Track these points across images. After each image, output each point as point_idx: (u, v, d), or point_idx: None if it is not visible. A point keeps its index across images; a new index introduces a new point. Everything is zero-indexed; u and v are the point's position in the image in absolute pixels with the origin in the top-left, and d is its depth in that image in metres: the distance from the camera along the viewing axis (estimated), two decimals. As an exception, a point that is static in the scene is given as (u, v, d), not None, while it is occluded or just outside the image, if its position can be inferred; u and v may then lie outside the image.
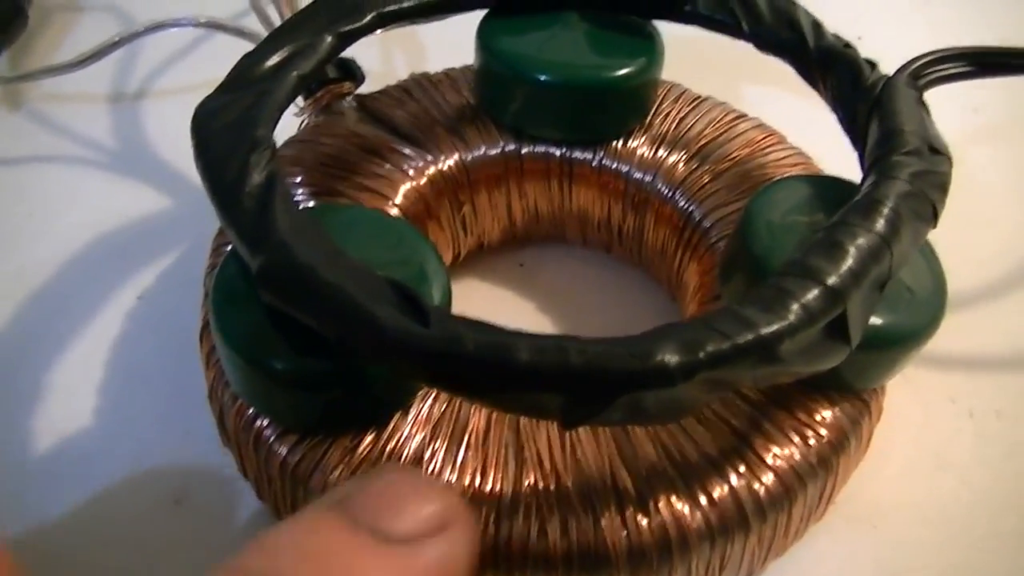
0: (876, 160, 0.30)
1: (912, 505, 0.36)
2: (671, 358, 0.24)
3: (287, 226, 0.27)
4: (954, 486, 0.36)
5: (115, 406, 0.37)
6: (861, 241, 0.27)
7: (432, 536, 0.23)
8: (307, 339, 0.27)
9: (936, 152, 0.31)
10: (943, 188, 0.30)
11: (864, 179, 0.30)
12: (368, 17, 0.34)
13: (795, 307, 0.26)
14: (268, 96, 0.31)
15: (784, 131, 0.40)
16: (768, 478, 0.30)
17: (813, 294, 0.26)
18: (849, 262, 0.27)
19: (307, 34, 0.33)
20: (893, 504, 0.36)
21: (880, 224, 0.28)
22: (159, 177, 0.45)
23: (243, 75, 0.32)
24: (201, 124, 0.30)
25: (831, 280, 0.26)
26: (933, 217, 0.30)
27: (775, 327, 0.25)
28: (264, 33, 0.39)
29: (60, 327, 0.39)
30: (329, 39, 0.33)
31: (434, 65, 0.42)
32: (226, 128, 0.30)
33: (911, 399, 0.38)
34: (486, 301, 0.40)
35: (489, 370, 0.24)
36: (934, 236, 0.31)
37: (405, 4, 0.35)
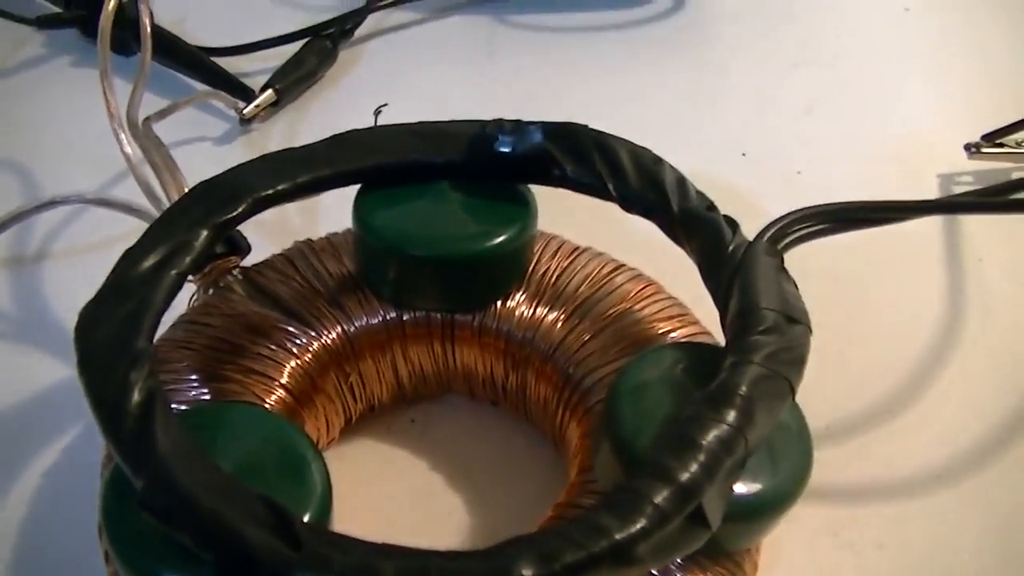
0: (734, 337, 0.32)
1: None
2: (527, 570, 0.25)
3: (166, 447, 0.28)
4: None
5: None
6: (713, 435, 0.29)
7: None
8: (193, 555, 0.28)
9: (794, 322, 0.32)
10: (800, 362, 0.31)
11: (724, 356, 0.31)
12: (243, 205, 0.35)
13: (648, 510, 0.27)
14: (147, 303, 0.32)
15: (666, 269, 0.41)
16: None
17: (664, 495, 0.27)
18: (701, 458, 0.28)
19: (184, 228, 0.34)
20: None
21: (732, 415, 0.29)
22: (58, 347, 0.46)
23: (123, 277, 0.33)
24: (83, 334, 0.31)
25: (683, 478, 0.28)
26: (790, 393, 0.31)
27: (629, 531, 0.27)
28: (152, 210, 0.40)
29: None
30: (205, 232, 0.34)
31: (328, 213, 0.42)
32: (107, 339, 0.31)
33: (793, 535, 0.39)
34: (380, 460, 0.41)
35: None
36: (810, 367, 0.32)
37: (279, 187, 0.36)
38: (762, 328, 0.31)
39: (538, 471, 0.40)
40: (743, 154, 0.57)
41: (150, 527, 0.29)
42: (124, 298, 0.32)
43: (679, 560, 0.32)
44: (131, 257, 0.33)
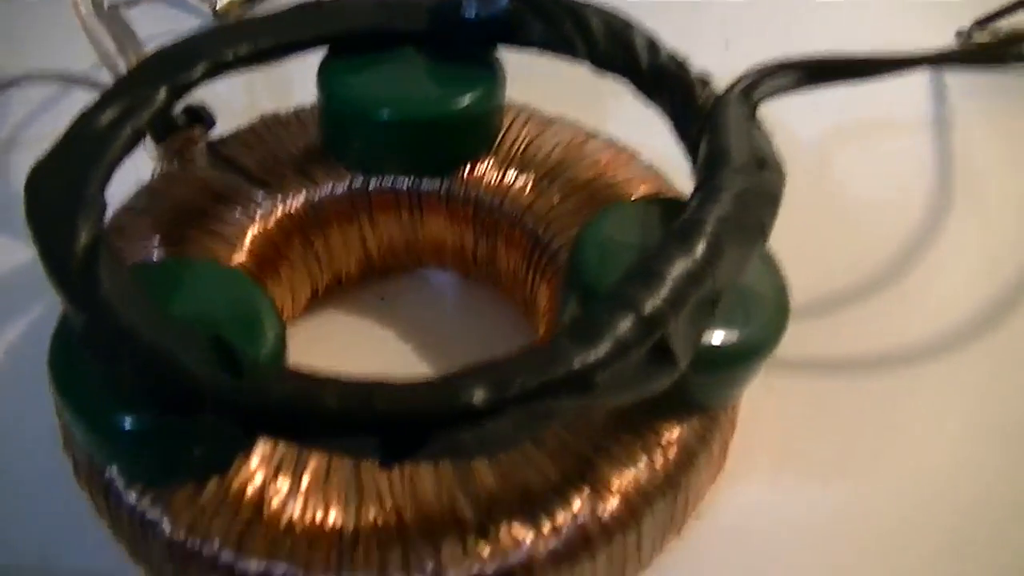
0: (703, 180, 0.31)
1: (778, 513, 0.36)
2: (478, 396, 0.25)
3: (109, 287, 0.27)
4: (818, 492, 0.37)
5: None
6: (678, 267, 0.28)
7: None
8: (139, 395, 0.27)
9: (766, 165, 0.31)
10: (772, 203, 0.30)
11: (691, 200, 0.31)
12: (202, 67, 0.34)
13: (609, 338, 0.26)
14: (100, 154, 0.31)
15: (643, 143, 0.41)
16: (613, 501, 0.30)
17: (627, 324, 0.26)
18: (665, 289, 0.27)
19: (142, 89, 0.33)
20: (759, 513, 0.36)
21: (700, 248, 0.28)
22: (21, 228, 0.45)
23: (79, 134, 0.32)
24: (33, 185, 0.30)
25: (646, 308, 0.27)
26: (760, 233, 0.30)
27: (588, 358, 0.26)
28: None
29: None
30: (164, 90, 0.33)
31: (298, 93, 0.41)
32: (57, 189, 0.30)
33: (774, 406, 0.38)
34: (347, 335, 0.41)
35: (299, 419, 0.25)
36: (790, 241, 0.32)
37: (239, 51, 0.35)
38: (731, 168, 0.30)
39: (509, 342, 0.39)
40: (726, 44, 0.56)
41: (95, 374, 0.28)
42: (77, 152, 0.31)
43: (653, 415, 0.32)
44: (86, 116, 0.32)
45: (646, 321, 0.26)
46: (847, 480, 0.37)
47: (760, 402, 0.36)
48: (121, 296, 0.27)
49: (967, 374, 0.41)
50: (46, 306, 0.42)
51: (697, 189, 0.31)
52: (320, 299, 0.41)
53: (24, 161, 0.46)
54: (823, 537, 0.36)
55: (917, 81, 0.53)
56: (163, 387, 0.26)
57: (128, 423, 0.28)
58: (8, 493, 0.36)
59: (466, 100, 0.37)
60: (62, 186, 0.30)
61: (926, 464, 0.38)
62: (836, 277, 0.44)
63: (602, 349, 0.26)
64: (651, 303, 0.27)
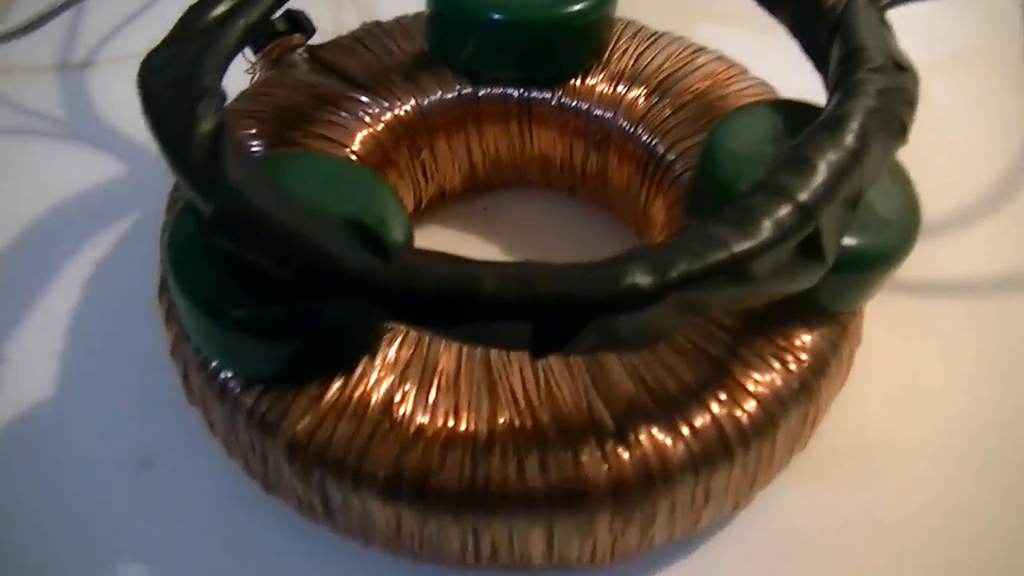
0: (840, 79, 0.30)
1: (894, 433, 0.35)
2: (642, 279, 0.24)
3: (238, 172, 0.26)
4: (936, 412, 0.36)
5: (76, 374, 0.37)
6: (831, 157, 0.27)
7: None
8: (266, 287, 0.26)
9: (901, 68, 0.30)
10: (910, 103, 0.29)
11: (829, 99, 0.30)
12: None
13: (767, 224, 0.25)
14: (214, 46, 0.30)
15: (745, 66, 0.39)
16: (750, 405, 0.29)
17: (785, 211, 0.25)
18: (820, 178, 0.26)
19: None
20: (875, 433, 0.35)
21: (849, 139, 0.27)
22: (111, 145, 0.44)
23: (188, 27, 0.31)
24: (147, 77, 0.30)
25: (802, 196, 0.26)
26: (901, 132, 0.29)
27: (747, 245, 0.25)
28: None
29: (17, 298, 0.39)
30: (272, -13, 0.32)
31: (385, 15, 0.41)
32: (173, 80, 0.29)
33: (889, 328, 0.37)
34: (449, 247, 0.39)
35: (453, 302, 0.24)
36: (906, 165, 0.31)
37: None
38: (870, 67, 0.29)
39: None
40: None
41: (218, 274, 0.28)
42: (190, 43, 0.30)
43: (784, 320, 0.31)
44: (197, 8, 0.31)
45: (803, 208, 0.25)
46: (961, 400, 0.37)
47: (876, 320, 0.35)
48: (251, 181, 0.26)
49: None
50: (137, 218, 0.41)
51: (835, 87, 0.30)
52: (422, 212, 0.40)
53: (105, 77, 0.46)
54: (939, 458, 0.35)
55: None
56: (303, 271, 0.25)
57: (253, 316, 0.27)
58: (112, 407, 0.36)
59: (580, 6, 0.36)
60: (177, 77, 0.29)
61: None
62: (942, 201, 0.42)
63: (761, 235, 0.25)
64: (807, 191, 0.26)
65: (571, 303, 0.24)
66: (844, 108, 0.28)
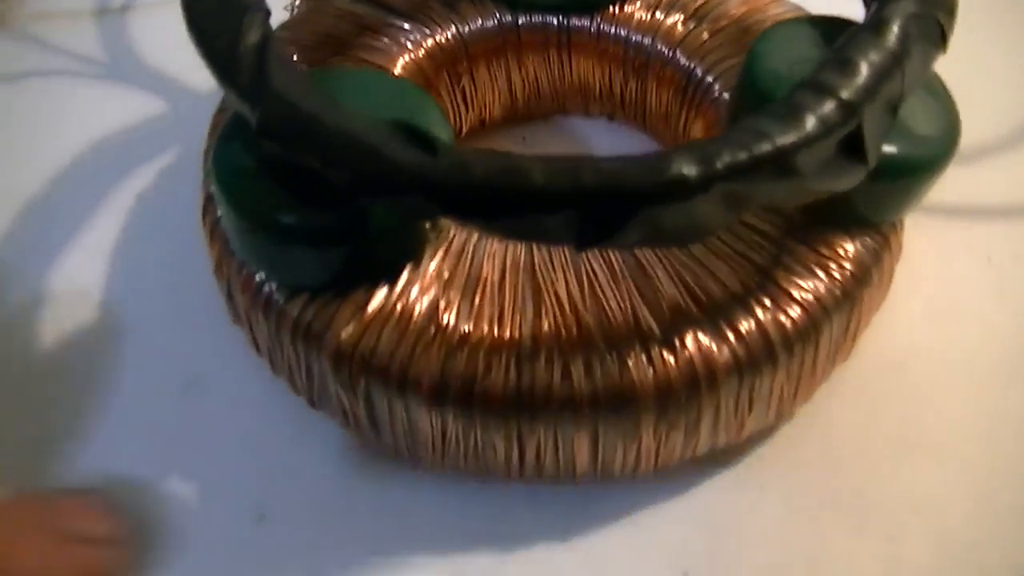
0: (878, -12, 0.30)
1: (935, 350, 0.36)
2: (688, 169, 0.24)
3: (285, 79, 0.26)
4: (976, 330, 0.36)
5: (121, 299, 0.37)
6: (873, 58, 0.27)
7: (101, 546, 0.31)
8: (311, 194, 0.27)
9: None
10: (950, 11, 0.30)
11: (868, 6, 0.30)
12: None
13: (811, 119, 0.25)
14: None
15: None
16: (794, 311, 0.29)
17: (829, 107, 0.26)
18: (862, 77, 0.26)
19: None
20: (916, 349, 0.36)
21: (891, 42, 0.27)
22: (149, 85, 0.45)
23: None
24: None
25: (845, 94, 0.26)
26: (942, 39, 0.29)
27: (792, 138, 0.25)
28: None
29: (62, 230, 0.39)
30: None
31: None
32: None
33: (929, 248, 0.38)
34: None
35: (502, 193, 0.24)
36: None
37: None
38: (910, -25, 0.29)
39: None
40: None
41: (263, 186, 0.28)
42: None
43: (826, 230, 0.31)
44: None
45: (846, 105, 0.26)
46: (998, 316, 0.37)
47: (916, 241, 0.35)
48: (297, 88, 0.26)
49: None
50: (177, 153, 0.42)
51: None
52: (462, 142, 0.41)
53: (143, 21, 0.47)
54: (980, 375, 0.35)
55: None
56: (353, 169, 0.25)
57: (299, 223, 0.28)
58: (159, 328, 0.36)
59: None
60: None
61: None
62: (982, 128, 0.42)
63: (804, 129, 0.25)
64: (849, 89, 0.26)
65: (618, 193, 0.24)
66: (885, 12, 0.28)
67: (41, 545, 0.30)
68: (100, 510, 0.31)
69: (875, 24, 0.28)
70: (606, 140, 0.42)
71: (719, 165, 0.24)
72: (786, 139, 0.25)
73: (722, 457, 0.32)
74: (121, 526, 0.31)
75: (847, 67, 0.27)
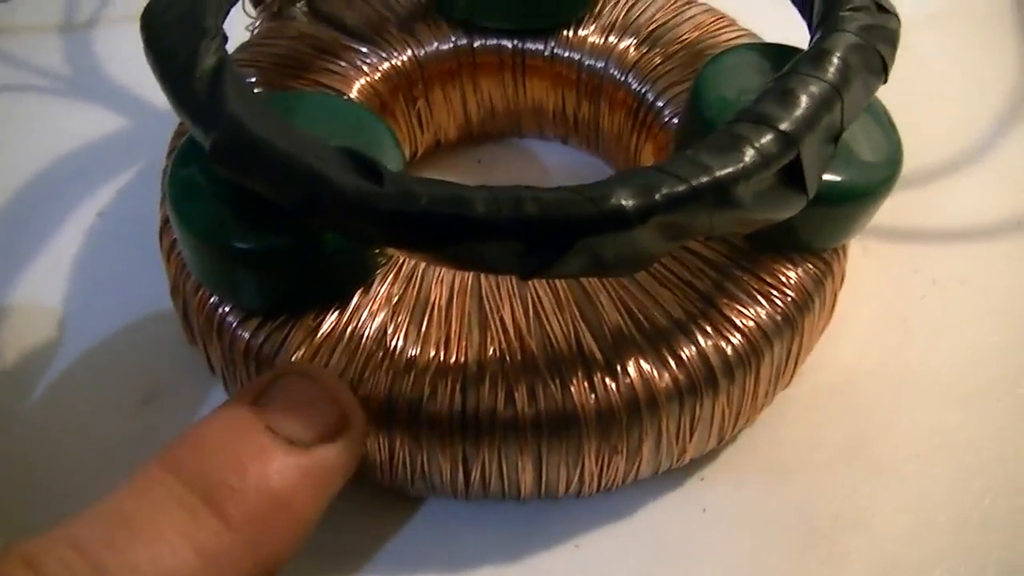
0: (823, 17, 0.30)
1: (879, 371, 0.36)
2: (627, 201, 0.24)
3: (238, 103, 0.27)
4: (921, 351, 0.37)
5: (79, 315, 0.37)
6: (812, 89, 0.27)
7: (329, 442, 0.27)
8: (264, 219, 0.27)
9: (883, 10, 0.31)
10: (892, 42, 0.30)
11: (812, 37, 0.30)
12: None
13: (749, 150, 0.26)
14: (214, -7, 0.31)
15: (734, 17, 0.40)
16: (736, 337, 0.30)
17: (767, 138, 0.26)
18: (801, 108, 0.27)
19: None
20: (860, 371, 0.36)
21: (831, 73, 0.28)
22: (113, 101, 0.45)
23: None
24: (151, 18, 0.30)
25: (784, 125, 0.26)
26: (883, 70, 0.29)
27: (730, 169, 0.25)
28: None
29: (21, 247, 0.39)
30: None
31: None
32: (175, 20, 0.30)
33: (875, 271, 0.38)
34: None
35: (445, 223, 0.25)
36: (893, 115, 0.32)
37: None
38: (852, 5, 0.30)
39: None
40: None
41: (218, 209, 0.29)
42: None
43: (769, 257, 0.32)
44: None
45: (784, 137, 0.26)
46: (944, 340, 0.37)
47: (862, 263, 0.36)
48: (250, 112, 0.27)
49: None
50: (138, 170, 0.42)
51: (818, 25, 0.30)
52: (418, 163, 0.41)
53: (107, 36, 0.47)
54: (925, 395, 0.36)
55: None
56: (300, 195, 0.25)
57: (252, 246, 0.28)
58: (116, 348, 0.36)
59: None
60: (180, 18, 0.30)
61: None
62: (929, 151, 0.43)
63: (743, 160, 0.26)
64: (788, 120, 0.27)
65: (559, 223, 0.24)
66: (827, 43, 0.29)
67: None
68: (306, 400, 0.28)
69: (816, 55, 0.28)
70: (561, 162, 0.42)
71: (657, 196, 0.25)
72: (724, 171, 0.25)
73: (667, 478, 0.33)
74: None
75: (786, 98, 0.27)
